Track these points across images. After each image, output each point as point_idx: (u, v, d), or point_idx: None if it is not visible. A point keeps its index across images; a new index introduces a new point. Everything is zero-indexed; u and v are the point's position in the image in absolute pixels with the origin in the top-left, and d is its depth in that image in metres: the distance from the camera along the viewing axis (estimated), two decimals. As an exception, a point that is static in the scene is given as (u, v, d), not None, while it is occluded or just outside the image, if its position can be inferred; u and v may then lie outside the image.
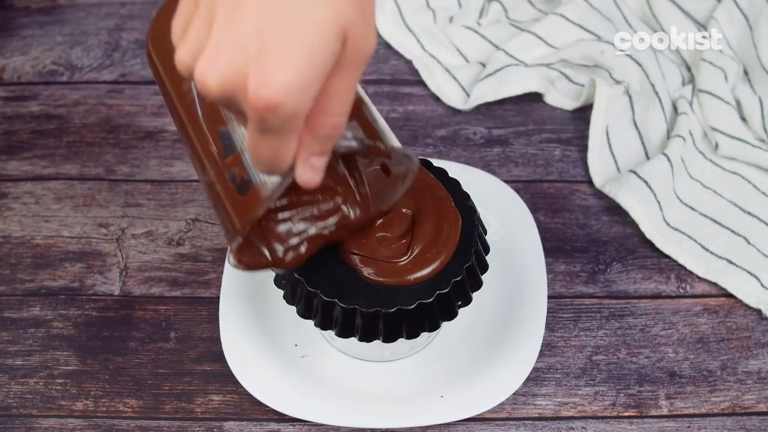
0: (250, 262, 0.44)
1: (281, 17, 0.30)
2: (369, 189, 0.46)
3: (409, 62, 0.73)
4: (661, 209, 0.62)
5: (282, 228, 0.45)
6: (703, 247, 0.61)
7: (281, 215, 0.45)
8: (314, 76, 0.31)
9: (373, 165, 0.45)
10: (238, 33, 0.31)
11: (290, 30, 0.30)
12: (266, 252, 0.45)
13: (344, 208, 0.46)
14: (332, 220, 0.46)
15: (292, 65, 0.30)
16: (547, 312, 0.56)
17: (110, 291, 0.60)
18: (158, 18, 0.42)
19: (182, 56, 0.33)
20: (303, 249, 0.46)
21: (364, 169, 0.45)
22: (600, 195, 0.65)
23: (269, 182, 0.37)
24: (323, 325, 0.48)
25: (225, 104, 0.33)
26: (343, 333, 0.48)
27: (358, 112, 0.38)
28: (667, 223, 0.62)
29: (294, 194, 0.45)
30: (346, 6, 0.31)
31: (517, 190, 0.62)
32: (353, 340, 0.48)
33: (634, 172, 0.63)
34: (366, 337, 0.48)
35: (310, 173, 0.35)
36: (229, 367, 0.53)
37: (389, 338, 0.48)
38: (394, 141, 0.40)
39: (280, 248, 0.45)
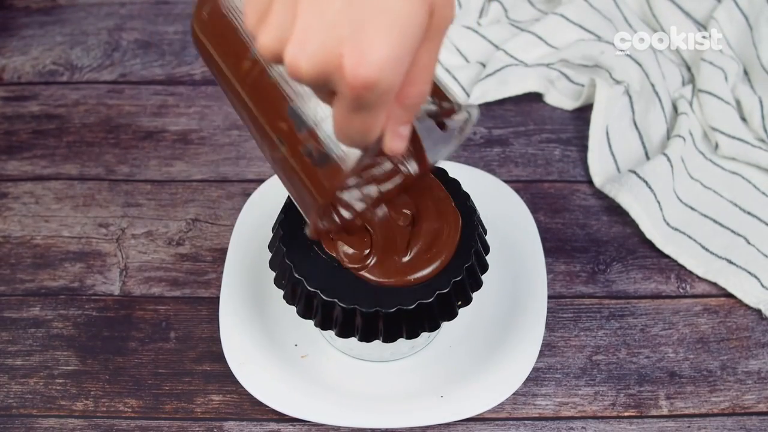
0: (320, 228, 0.45)
1: None
2: (423, 143, 0.46)
3: (409, 62, 0.73)
4: (661, 209, 0.62)
5: (347, 194, 0.46)
6: (703, 247, 0.61)
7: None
8: (408, 49, 0.31)
9: (445, 118, 0.45)
10: (326, 14, 0.31)
11: (381, 6, 0.30)
12: (335, 218, 0.46)
13: (402, 166, 0.47)
14: (393, 179, 0.47)
15: (387, 41, 0.30)
16: (547, 312, 0.56)
17: (110, 291, 0.60)
18: (201, 2, 0.42)
19: (268, 42, 0.33)
20: (368, 209, 0.47)
21: (417, 125, 0.45)
22: (600, 195, 0.65)
23: (350, 153, 0.37)
24: (323, 325, 0.48)
25: (316, 85, 0.33)
26: (343, 333, 0.48)
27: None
28: (667, 223, 0.62)
29: None
30: None
31: (517, 190, 0.62)
32: (353, 340, 0.48)
33: (634, 172, 0.63)
34: (366, 337, 0.48)
35: (398, 142, 0.35)
36: (229, 367, 0.53)
37: (389, 338, 0.48)
38: (456, 95, 0.40)
39: (347, 213, 0.46)
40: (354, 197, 0.47)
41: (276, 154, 0.41)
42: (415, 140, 0.46)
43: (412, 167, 0.47)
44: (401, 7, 0.31)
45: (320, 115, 0.38)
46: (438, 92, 0.39)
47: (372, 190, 0.47)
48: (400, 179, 0.47)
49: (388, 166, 0.47)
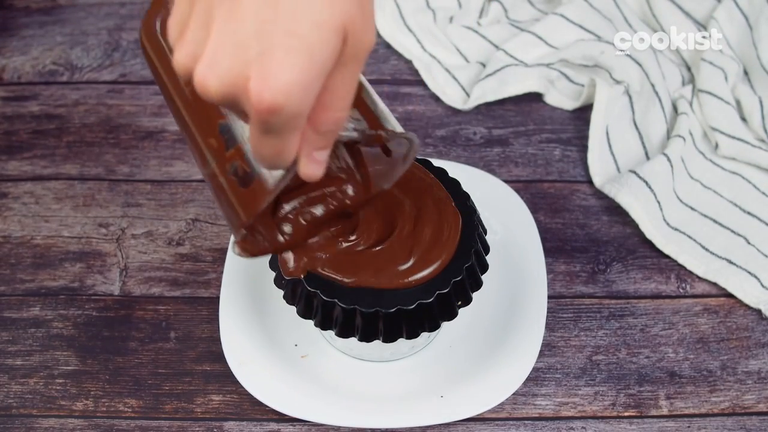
0: (253, 249, 0.45)
1: (281, 18, 0.30)
2: (369, 169, 0.46)
3: (409, 62, 0.73)
4: (661, 209, 0.62)
5: (283, 214, 0.46)
6: (703, 247, 0.61)
7: (282, 202, 0.46)
8: (316, 75, 0.31)
9: (373, 146, 0.45)
10: (237, 35, 0.30)
11: (290, 30, 0.30)
12: (268, 239, 0.46)
13: (345, 189, 0.47)
14: (333, 201, 0.47)
15: (294, 66, 0.30)
16: (547, 312, 0.56)
17: (110, 291, 0.60)
18: (151, 10, 0.42)
19: (181, 59, 0.33)
20: (302, 231, 0.46)
21: (363, 150, 0.45)
22: (600, 195, 0.65)
23: (272, 174, 0.37)
24: (323, 325, 0.48)
25: (226, 105, 0.33)
26: (343, 333, 0.48)
27: (357, 98, 0.38)
28: (667, 223, 0.62)
29: (294, 179, 0.46)
30: (346, 2, 0.31)
31: (517, 190, 0.62)
32: (353, 340, 0.48)
33: (634, 172, 0.63)
34: (366, 337, 0.48)
35: (313, 167, 0.35)
36: (229, 367, 0.53)
37: (389, 338, 0.48)
38: (395, 124, 0.40)
39: (280, 235, 0.46)
40: (290, 217, 0.46)
41: (206, 169, 0.41)
42: (361, 165, 0.46)
43: (356, 192, 0.47)
44: (311, 31, 0.30)
45: (248, 134, 0.37)
46: (371, 118, 0.39)
47: (311, 211, 0.46)
48: (342, 202, 0.47)
49: (329, 189, 0.47)
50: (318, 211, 0.46)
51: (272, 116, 0.31)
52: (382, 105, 0.40)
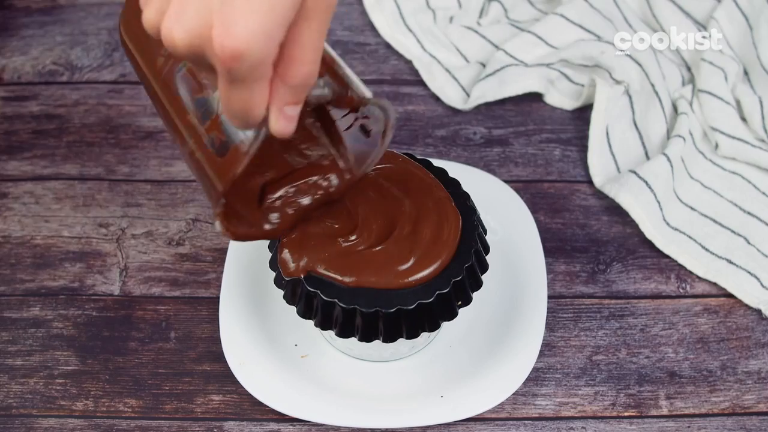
0: (237, 231, 0.45)
1: None
2: (350, 154, 0.47)
3: (409, 62, 0.73)
4: (661, 209, 0.62)
5: (269, 203, 0.47)
6: (703, 247, 0.61)
7: (268, 192, 0.47)
8: (276, 23, 0.32)
9: (352, 127, 0.46)
10: None
11: None
12: (254, 225, 0.47)
13: (328, 177, 0.47)
14: (318, 190, 0.47)
15: (254, 14, 0.31)
16: (547, 312, 0.56)
17: (110, 291, 0.60)
18: (128, 1, 0.44)
19: (149, 16, 0.34)
20: (288, 220, 0.47)
21: (344, 134, 0.46)
22: (600, 195, 0.65)
23: (247, 140, 0.38)
24: (323, 325, 0.48)
25: (193, 59, 0.34)
26: (343, 333, 0.48)
27: (330, 69, 0.39)
28: (667, 223, 0.62)
29: (278, 162, 0.46)
30: None
31: (517, 190, 0.62)
32: (353, 340, 0.48)
33: (634, 172, 0.63)
34: (366, 337, 0.48)
35: (283, 123, 0.36)
36: (229, 367, 0.53)
37: (389, 338, 0.48)
38: (368, 93, 0.41)
39: (266, 223, 0.47)
40: (276, 204, 0.47)
41: (185, 148, 0.42)
42: (342, 150, 0.46)
43: (340, 176, 0.47)
44: None
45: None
46: (343, 85, 0.39)
47: (296, 199, 0.47)
48: (326, 188, 0.48)
49: (313, 176, 0.47)
50: (304, 200, 0.47)
51: (235, 63, 0.32)
52: (356, 78, 0.41)
